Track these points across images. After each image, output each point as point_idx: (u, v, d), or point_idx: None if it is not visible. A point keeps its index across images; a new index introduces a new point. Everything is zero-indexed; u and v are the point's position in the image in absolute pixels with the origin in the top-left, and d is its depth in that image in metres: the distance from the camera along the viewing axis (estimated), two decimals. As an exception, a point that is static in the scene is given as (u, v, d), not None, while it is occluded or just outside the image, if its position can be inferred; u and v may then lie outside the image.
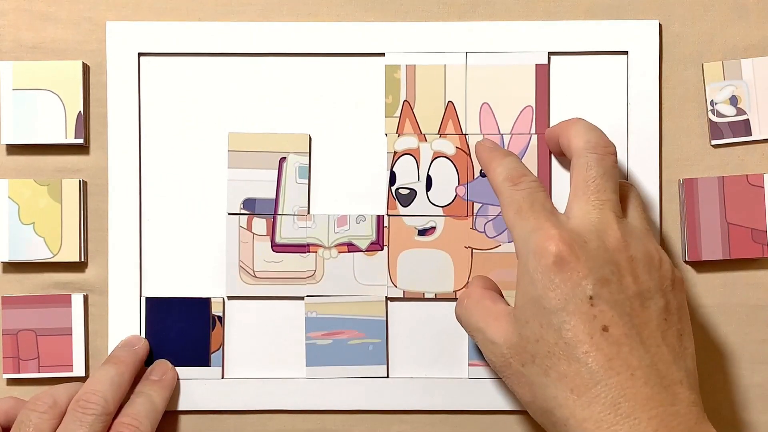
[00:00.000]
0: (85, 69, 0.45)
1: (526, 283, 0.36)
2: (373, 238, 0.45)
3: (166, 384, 0.43)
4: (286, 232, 0.45)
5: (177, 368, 0.45)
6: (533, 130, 0.45)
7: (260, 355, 0.45)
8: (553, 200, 0.45)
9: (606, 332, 0.34)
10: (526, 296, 0.36)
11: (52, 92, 0.44)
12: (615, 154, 0.39)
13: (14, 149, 0.45)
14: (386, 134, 0.45)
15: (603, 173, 0.38)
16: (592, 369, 0.33)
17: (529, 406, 0.37)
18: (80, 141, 0.44)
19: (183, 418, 0.45)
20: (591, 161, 0.38)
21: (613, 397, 0.33)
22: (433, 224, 0.45)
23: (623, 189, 0.40)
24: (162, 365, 0.44)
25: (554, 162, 0.45)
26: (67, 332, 0.45)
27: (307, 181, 0.45)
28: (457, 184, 0.45)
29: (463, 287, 0.45)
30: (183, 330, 0.45)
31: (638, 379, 0.33)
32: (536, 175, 0.44)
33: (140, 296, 0.45)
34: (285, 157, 0.45)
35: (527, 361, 0.36)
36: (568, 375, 0.34)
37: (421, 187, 0.45)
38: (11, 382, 0.45)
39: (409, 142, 0.45)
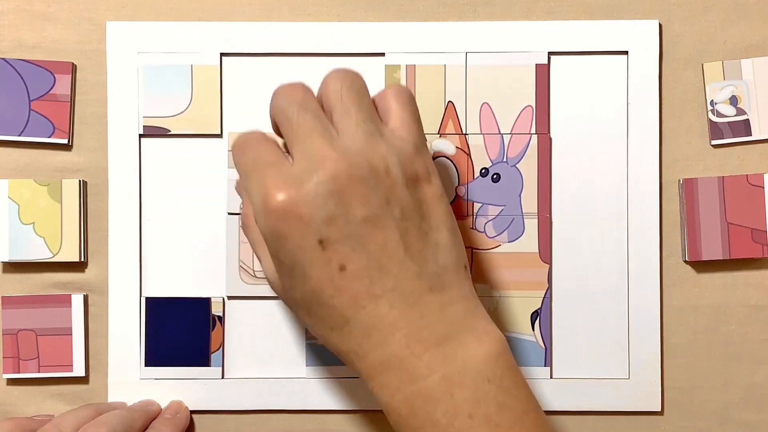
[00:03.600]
0: (74, 68, 0.45)
1: (267, 243, 0.35)
2: (373, 238, 0.45)
3: (178, 422, 0.43)
4: (286, 232, 0.45)
5: (177, 368, 0.45)
6: (533, 130, 0.45)
7: (260, 355, 0.45)
8: (553, 200, 0.45)
9: (344, 271, 0.33)
10: (270, 254, 0.36)
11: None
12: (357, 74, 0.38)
13: (13, 149, 0.45)
14: (386, 134, 0.45)
15: (341, 89, 0.36)
16: (339, 309, 0.34)
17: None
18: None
19: (183, 418, 0.45)
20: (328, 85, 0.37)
21: (363, 329, 0.34)
22: (433, 224, 0.45)
23: (383, 95, 0.38)
24: (176, 405, 0.44)
25: (554, 162, 0.45)
26: (67, 332, 0.45)
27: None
28: (457, 184, 0.45)
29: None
30: (183, 330, 0.45)
31: (383, 306, 0.33)
32: (538, 178, 0.44)
33: (140, 296, 0.45)
34: (285, 157, 0.45)
35: (290, 302, 0.37)
36: (323, 316, 0.35)
37: (421, 187, 0.45)
38: (11, 381, 0.45)
39: (409, 142, 0.45)
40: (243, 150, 0.37)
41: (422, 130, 0.38)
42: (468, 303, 0.35)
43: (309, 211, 0.33)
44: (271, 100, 0.38)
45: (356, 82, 0.37)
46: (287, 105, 0.36)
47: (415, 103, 0.38)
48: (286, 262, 0.35)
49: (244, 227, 0.40)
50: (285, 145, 0.37)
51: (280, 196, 0.33)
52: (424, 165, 0.36)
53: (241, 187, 0.40)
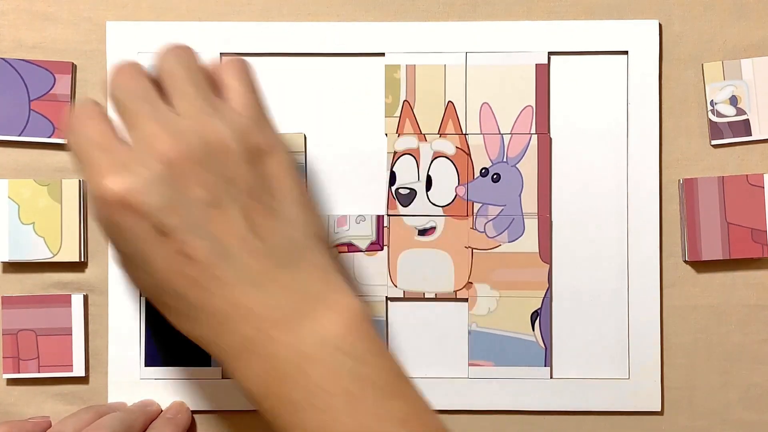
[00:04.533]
0: (74, 68, 0.45)
1: (103, 233, 0.34)
2: (373, 238, 0.45)
3: (179, 422, 0.43)
4: (286, 232, 0.45)
5: (177, 368, 0.45)
6: (533, 130, 0.45)
7: (260, 355, 0.45)
8: (553, 200, 0.45)
9: (190, 260, 0.32)
10: (112, 247, 0.35)
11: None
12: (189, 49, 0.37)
13: (14, 149, 0.45)
14: (386, 134, 0.45)
15: (173, 68, 0.35)
16: (188, 299, 0.33)
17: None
18: None
19: (183, 418, 0.45)
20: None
21: (215, 316, 0.33)
22: (433, 224, 0.45)
23: (220, 70, 0.37)
24: (178, 405, 0.44)
25: (554, 162, 0.45)
26: (67, 332, 0.45)
27: (304, 180, 0.45)
28: (457, 184, 0.45)
29: (464, 287, 0.45)
30: (183, 330, 0.45)
31: (231, 290, 0.32)
32: (538, 178, 0.44)
33: (140, 296, 0.45)
34: (285, 157, 0.45)
35: (141, 291, 0.36)
36: (174, 306, 0.34)
37: (421, 187, 0.45)
38: (11, 381, 0.45)
39: (409, 142, 0.45)
40: (73, 127, 0.35)
41: (263, 103, 0.37)
42: (322, 275, 0.34)
43: (145, 200, 0.32)
44: (109, 86, 0.36)
45: (191, 61, 0.36)
46: (124, 97, 0.35)
47: (254, 75, 0.38)
48: (127, 253, 0.34)
49: None
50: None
51: (113, 186, 0.32)
52: (266, 138, 0.35)
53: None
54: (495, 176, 0.45)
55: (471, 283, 0.45)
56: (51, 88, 0.45)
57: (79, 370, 0.45)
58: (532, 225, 0.45)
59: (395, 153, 0.45)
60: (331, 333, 0.32)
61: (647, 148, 0.45)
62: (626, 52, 0.45)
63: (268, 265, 0.33)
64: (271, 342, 0.32)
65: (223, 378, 0.45)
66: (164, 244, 0.32)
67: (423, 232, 0.45)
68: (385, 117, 0.45)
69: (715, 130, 0.45)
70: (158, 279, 0.33)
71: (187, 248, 0.32)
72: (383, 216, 0.45)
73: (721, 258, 0.44)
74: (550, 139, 0.45)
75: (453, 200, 0.45)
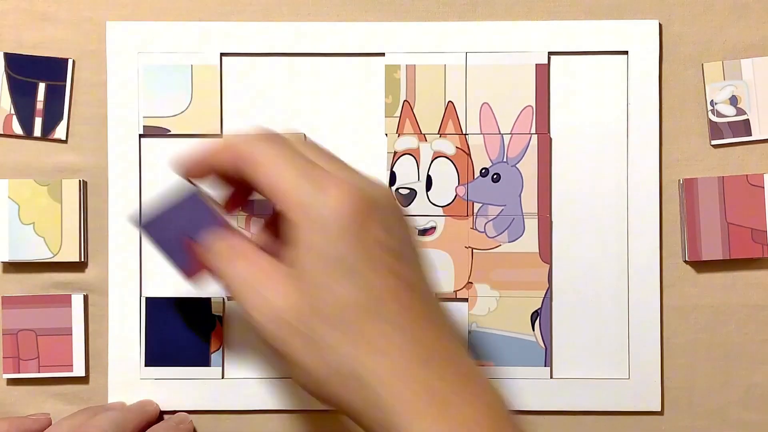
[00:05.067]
0: (73, 65, 0.45)
1: (318, 242, 0.32)
2: (373, 238, 0.45)
3: (181, 430, 0.43)
4: (286, 232, 0.45)
5: (177, 368, 0.45)
6: (533, 130, 0.45)
7: (260, 355, 0.45)
8: (553, 200, 0.45)
9: (401, 282, 0.32)
10: (318, 256, 0.32)
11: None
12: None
13: (14, 150, 0.45)
14: (386, 134, 0.45)
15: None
16: (400, 325, 0.32)
17: (313, 372, 0.33)
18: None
19: (183, 418, 0.45)
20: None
21: (420, 352, 0.31)
22: (433, 224, 0.45)
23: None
24: (182, 416, 0.44)
25: (554, 162, 0.45)
26: (67, 332, 0.45)
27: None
28: (457, 184, 0.45)
29: (464, 287, 0.45)
30: (183, 330, 0.45)
31: (445, 335, 0.33)
32: (538, 178, 0.44)
33: (140, 296, 0.45)
34: (285, 157, 0.45)
35: (317, 323, 0.32)
36: (369, 332, 0.32)
37: (421, 187, 0.45)
38: (11, 381, 0.45)
39: (409, 142, 0.45)
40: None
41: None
42: (467, 371, 0.34)
43: (386, 216, 0.33)
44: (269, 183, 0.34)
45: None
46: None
47: None
48: (348, 265, 0.32)
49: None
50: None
51: (359, 198, 0.32)
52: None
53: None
54: (495, 176, 0.45)
55: (471, 283, 0.45)
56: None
57: (79, 370, 0.45)
58: (532, 225, 0.45)
59: (395, 153, 0.45)
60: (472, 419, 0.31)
61: (647, 148, 0.45)
62: (626, 52, 0.45)
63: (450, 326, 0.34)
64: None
65: (223, 378, 0.45)
66: (385, 255, 0.32)
67: (423, 232, 0.45)
68: (385, 117, 0.45)
69: (715, 130, 0.45)
70: (375, 296, 0.32)
71: (400, 269, 0.33)
72: (383, 216, 0.45)
73: (721, 258, 0.44)
74: (550, 139, 0.45)
75: (453, 200, 0.45)
